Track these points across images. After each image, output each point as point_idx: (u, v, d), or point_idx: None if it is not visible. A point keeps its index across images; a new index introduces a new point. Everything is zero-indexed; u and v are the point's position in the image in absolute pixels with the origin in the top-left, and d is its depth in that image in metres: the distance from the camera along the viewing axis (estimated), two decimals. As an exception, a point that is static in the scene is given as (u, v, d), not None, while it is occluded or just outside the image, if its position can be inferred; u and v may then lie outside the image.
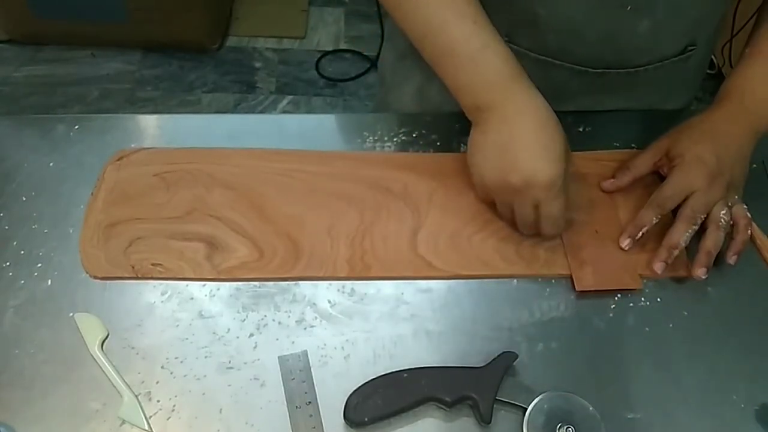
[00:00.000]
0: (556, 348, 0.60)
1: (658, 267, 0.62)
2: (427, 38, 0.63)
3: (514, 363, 0.57)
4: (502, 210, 0.65)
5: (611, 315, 0.62)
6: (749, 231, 0.64)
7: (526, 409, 0.54)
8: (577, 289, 0.63)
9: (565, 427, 0.53)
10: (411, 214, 0.67)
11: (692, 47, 0.73)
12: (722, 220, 0.62)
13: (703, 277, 0.62)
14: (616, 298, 0.63)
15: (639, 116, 0.80)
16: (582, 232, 0.66)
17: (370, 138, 0.75)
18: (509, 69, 0.61)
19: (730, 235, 0.64)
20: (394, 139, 0.74)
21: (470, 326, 0.61)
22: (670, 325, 0.61)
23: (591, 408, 0.54)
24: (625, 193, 0.69)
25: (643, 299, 0.63)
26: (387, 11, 0.66)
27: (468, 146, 0.65)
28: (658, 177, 0.69)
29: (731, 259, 0.63)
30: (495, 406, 0.54)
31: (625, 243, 0.65)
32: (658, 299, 0.63)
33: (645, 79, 0.74)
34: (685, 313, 0.62)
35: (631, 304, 0.63)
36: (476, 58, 0.61)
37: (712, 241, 0.62)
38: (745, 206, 0.64)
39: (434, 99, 0.78)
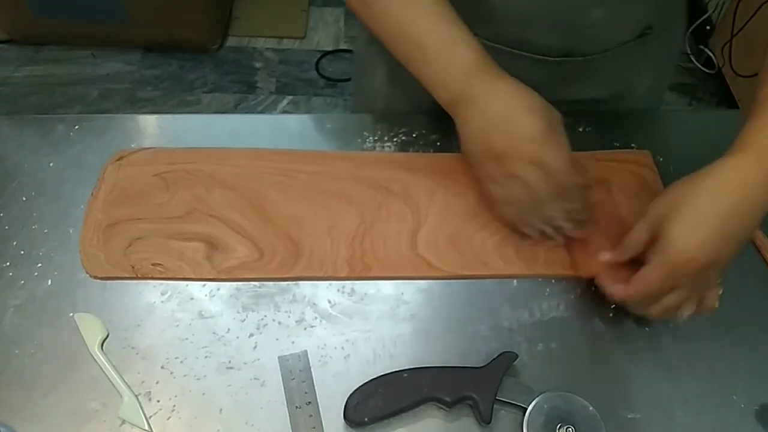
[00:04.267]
0: (556, 348, 0.60)
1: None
2: (398, 37, 0.64)
3: (514, 363, 0.57)
4: (509, 195, 0.62)
5: (611, 315, 0.62)
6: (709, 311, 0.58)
7: (526, 409, 0.54)
8: (584, 276, 0.62)
9: (565, 427, 0.53)
10: (411, 214, 0.67)
11: (649, 30, 0.73)
12: (680, 318, 0.57)
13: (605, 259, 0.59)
14: (616, 298, 0.63)
15: (639, 116, 0.80)
16: (585, 230, 0.65)
17: (370, 138, 0.75)
18: (480, 61, 0.62)
19: None
20: (394, 139, 0.74)
21: (470, 326, 0.61)
22: (670, 325, 0.61)
23: (591, 408, 0.54)
24: (627, 196, 0.69)
25: (643, 299, 0.63)
26: (353, 11, 0.66)
27: (461, 145, 0.65)
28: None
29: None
30: (495, 406, 0.54)
31: (605, 256, 0.60)
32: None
33: (605, 65, 0.74)
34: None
35: (631, 304, 0.63)
36: (447, 52, 0.62)
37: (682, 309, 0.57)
38: (719, 292, 0.58)
39: (406, 82, 0.73)
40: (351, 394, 0.55)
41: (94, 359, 0.57)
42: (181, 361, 0.58)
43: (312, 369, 0.58)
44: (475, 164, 0.65)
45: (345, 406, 0.54)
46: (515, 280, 0.64)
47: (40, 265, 0.63)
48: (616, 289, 0.58)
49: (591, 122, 0.76)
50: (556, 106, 0.63)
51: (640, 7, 0.71)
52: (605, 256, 0.60)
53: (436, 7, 0.62)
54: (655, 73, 0.81)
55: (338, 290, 0.63)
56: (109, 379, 0.56)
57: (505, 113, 0.60)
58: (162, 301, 0.61)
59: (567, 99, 0.74)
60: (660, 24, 0.73)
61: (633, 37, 0.73)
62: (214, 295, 0.62)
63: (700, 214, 0.53)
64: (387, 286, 0.63)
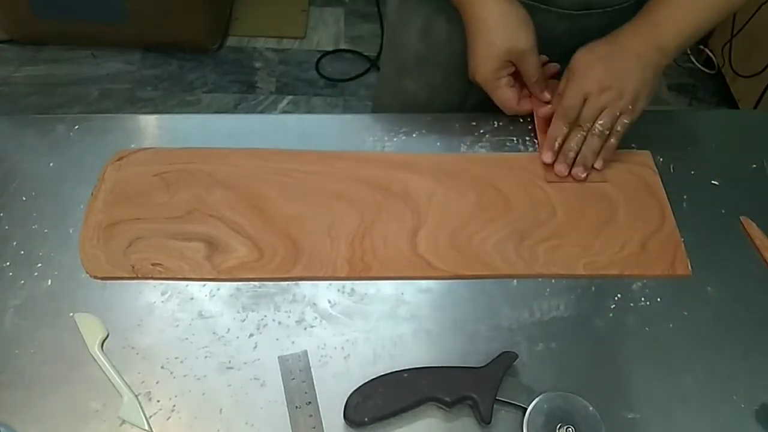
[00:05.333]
0: (556, 348, 0.60)
1: (546, 157, 0.71)
2: None
3: (514, 363, 0.57)
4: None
5: (611, 315, 0.62)
6: (616, 140, 0.70)
7: (526, 409, 0.54)
8: (546, 179, 0.70)
9: (565, 427, 0.53)
10: (411, 214, 0.67)
11: None
12: (596, 128, 0.69)
13: (582, 175, 0.70)
14: (616, 297, 0.63)
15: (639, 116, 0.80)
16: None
17: (370, 138, 0.75)
18: None
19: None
20: (394, 139, 0.74)
21: (470, 326, 0.61)
22: (670, 325, 0.61)
23: (591, 408, 0.54)
24: (626, 195, 0.70)
25: (643, 299, 0.63)
26: None
27: None
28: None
29: (597, 164, 0.71)
30: (495, 406, 0.54)
31: (547, 156, 0.71)
32: (658, 299, 0.63)
33: (623, 17, 0.74)
34: (685, 313, 0.62)
35: (632, 304, 0.63)
36: None
37: (587, 147, 0.70)
38: (627, 121, 0.69)
39: (440, 35, 0.82)
40: (351, 394, 0.55)
41: (94, 359, 0.57)
42: (181, 361, 0.58)
43: (312, 369, 0.58)
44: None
45: (345, 406, 0.54)
46: (515, 280, 0.64)
47: (40, 265, 0.63)
48: (554, 125, 0.72)
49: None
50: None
51: None
52: (542, 111, 0.74)
53: None
54: None
55: (338, 290, 0.63)
56: (109, 379, 0.56)
57: (470, 50, 0.72)
58: (162, 301, 0.61)
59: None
60: None
61: None
62: (214, 295, 0.62)
63: (597, 46, 0.70)
64: (387, 286, 0.63)
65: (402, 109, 0.90)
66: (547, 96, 0.74)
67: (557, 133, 0.71)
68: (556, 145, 0.71)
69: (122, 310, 0.61)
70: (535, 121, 0.75)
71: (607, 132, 0.70)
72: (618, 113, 0.69)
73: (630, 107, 0.69)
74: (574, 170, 0.70)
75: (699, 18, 0.69)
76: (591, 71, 0.69)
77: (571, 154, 0.70)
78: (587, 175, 0.71)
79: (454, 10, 0.74)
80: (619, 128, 0.70)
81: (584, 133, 0.70)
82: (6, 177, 0.70)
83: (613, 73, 0.68)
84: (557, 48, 0.77)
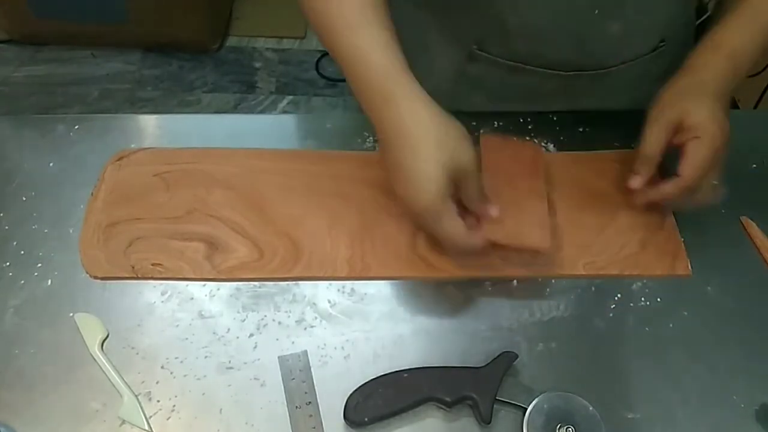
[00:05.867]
0: (556, 348, 0.60)
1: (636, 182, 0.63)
2: (330, 43, 0.61)
3: (514, 363, 0.57)
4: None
5: (611, 315, 0.62)
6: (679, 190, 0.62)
7: (526, 409, 0.54)
8: (487, 236, 0.60)
9: (565, 427, 0.53)
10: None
11: (663, 43, 0.73)
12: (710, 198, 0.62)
13: (636, 185, 0.63)
14: (616, 297, 0.63)
15: (639, 116, 0.80)
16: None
17: (370, 138, 0.75)
18: (384, 87, 0.57)
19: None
20: (394, 139, 0.74)
21: (470, 326, 0.61)
22: (670, 325, 0.61)
23: (591, 408, 0.54)
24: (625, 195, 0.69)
25: (643, 299, 0.63)
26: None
27: None
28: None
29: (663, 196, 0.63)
30: (495, 406, 0.54)
31: (636, 182, 0.63)
32: (658, 299, 0.63)
33: (618, 78, 0.74)
34: (685, 313, 0.62)
35: (631, 304, 0.63)
36: (358, 78, 0.59)
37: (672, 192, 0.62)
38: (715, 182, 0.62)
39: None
40: (351, 394, 0.55)
41: (94, 359, 0.57)
42: (181, 361, 0.58)
43: (312, 369, 0.58)
44: None
45: (345, 406, 0.54)
46: (515, 280, 0.64)
47: (40, 265, 0.63)
48: (667, 187, 0.62)
49: (591, 122, 0.76)
50: (589, 115, 0.65)
51: (656, 19, 0.70)
52: (635, 182, 0.63)
53: (358, 17, 0.58)
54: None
55: (338, 290, 0.63)
56: (109, 379, 0.56)
57: (400, 170, 0.56)
58: (162, 301, 0.61)
59: (576, 109, 0.74)
60: (673, 35, 0.73)
61: (648, 51, 0.73)
62: (214, 295, 0.62)
63: (711, 100, 0.60)
64: (387, 286, 0.63)
65: None
66: (494, 211, 0.60)
67: (668, 196, 0.63)
68: (646, 199, 0.64)
69: (122, 310, 0.61)
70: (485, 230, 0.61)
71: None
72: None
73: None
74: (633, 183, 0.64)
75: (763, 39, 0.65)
76: (717, 123, 0.60)
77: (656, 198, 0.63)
78: None
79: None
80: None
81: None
82: (6, 177, 0.70)
83: (724, 130, 0.60)
84: (540, 105, 0.76)
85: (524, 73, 0.71)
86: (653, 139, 0.62)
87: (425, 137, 0.56)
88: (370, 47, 0.58)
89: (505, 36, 0.69)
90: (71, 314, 0.60)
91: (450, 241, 0.59)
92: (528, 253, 0.63)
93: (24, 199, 0.68)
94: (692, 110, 0.60)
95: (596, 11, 0.65)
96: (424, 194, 0.56)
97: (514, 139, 0.70)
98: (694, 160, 0.60)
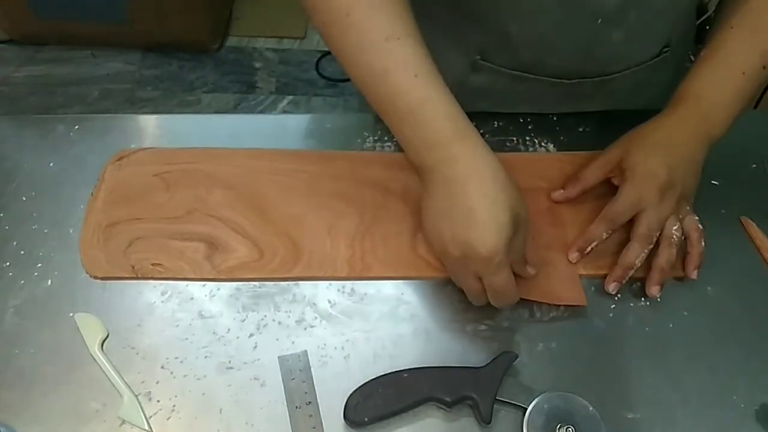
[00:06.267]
0: (556, 348, 0.60)
1: (612, 287, 0.62)
2: (369, 87, 0.57)
3: (514, 363, 0.57)
4: (455, 279, 0.60)
5: (611, 315, 0.62)
6: (702, 242, 0.63)
7: (526, 409, 0.54)
8: (522, 296, 0.59)
9: (565, 427, 0.53)
10: (411, 215, 0.67)
11: (667, 48, 0.73)
12: (674, 236, 0.61)
13: (657, 295, 0.62)
14: (616, 298, 0.63)
15: (640, 116, 0.79)
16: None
17: (370, 138, 0.75)
18: (452, 126, 0.55)
19: (684, 250, 0.63)
20: (394, 139, 0.74)
21: (470, 326, 0.61)
22: (670, 325, 0.61)
23: (591, 408, 0.54)
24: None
25: (643, 299, 0.63)
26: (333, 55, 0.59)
27: (421, 210, 0.60)
28: (609, 188, 0.66)
29: (692, 274, 0.62)
30: (495, 406, 0.54)
31: (573, 256, 0.63)
32: (658, 299, 0.63)
33: (622, 83, 0.74)
34: (685, 313, 0.62)
35: (631, 304, 0.63)
36: (416, 114, 0.55)
37: (664, 258, 0.61)
38: (696, 218, 0.63)
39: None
40: (351, 394, 0.55)
41: (94, 359, 0.57)
42: (181, 361, 0.58)
43: (312, 369, 0.58)
44: (431, 243, 0.61)
45: (345, 406, 0.54)
46: (515, 280, 0.64)
47: (40, 265, 0.63)
48: (559, 195, 0.67)
49: (591, 122, 0.76)
50: (589, 115, 0.65)
51: (660, 26, 0.70)
52: (556, 194, 0.67)
53: (413, 57, 0.55)
54: (670, 87, 0.81)
55: (338, 290, 0.63)
56: (109, 379, 0.56)
57: (465, 212, 0.54)
58: (162, 301, 0.61)
59: (579, 111, 0.74)
60: (677, 41, 0.73)
61: (652, 57, 0.73)
62: (214, 295, 0.62)
63: (654, 146, 0.62)
64: (387, 286, 0.63)
65: None
66: (531, 270, 0.60)
67: (596, 236, 0.62)
68: (590, 248, 0.63)
69: (122, 310, 0.61)
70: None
71: (682, 239, 0.62)
72: (681, 217, 0.62)
73: (688, 208, 0.63)
74: (652, 290, 0.61)
75: (743, 103, 0.64)
76: (652, 179, 0.60)
77: (631, 272, 0.61)
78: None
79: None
80: (694, 226, 0.63)
81: (650, 246, 0.61)
82: (6, 177, 0.70)
83: (674, 174, 0.60)
84: (543, 109, 0.76)
85: (528, 81, 0.71)
86: (592, 170, 0.66)
87: (494, 180, 0.54)
88: (432, 91, 0.55)
89: (509, 46, 0.69)
90: (71, 314, 0.60)
91: (501, 293, 0.56)
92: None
93: (24, 199, 0.68)
94: (630, 153, 0.62)
95: (599, 20, 0.65)
96: (492, 238, 0.53)
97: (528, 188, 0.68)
98: (617, 198, 0.61)
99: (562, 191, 0.67)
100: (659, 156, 0.61)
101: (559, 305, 0.62)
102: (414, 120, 0.56)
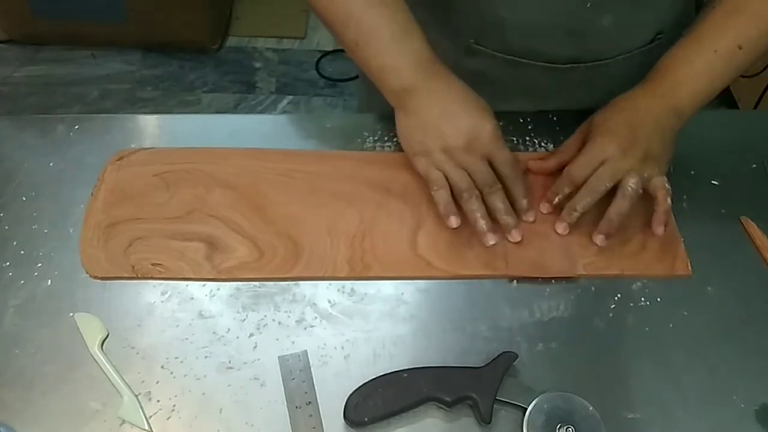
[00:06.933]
0: (556, 348, 0.60)
1: (559, 227, 0.65)
2: (349, 25, 0.63)
3: (514, 363, 0.57)
4: (454, 181, 0.63)
5: (611, 315, 0.62)
6: (669, 200, 0.64)
7: (526, 409, 0.54)
8: (514, 274, 0.63)
9: (565, 427, 0.53)
10: (411, 214, 0.67)
11: (660, 35, 0.73)
12: (629, 188, 0.62)
13: (601, 244, 0.64)
14: (616, 297, 0.63)
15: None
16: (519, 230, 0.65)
17: (370, 138, 0.75)
18: (429, 53, 0.64)
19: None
20: (394, 139, 0.74)
21: (470, 326, 0.61)
22: (670, 325, 0.61)
23: (591, 408, 0.54)
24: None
25: (643, 299, 0.63)
26: (309, 4, 0.66)
27: (399, 133, 0.67)
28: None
29: (658, 230, 0.63)
30: (495, 406, 0.54)
31: (545, 206, 0.66)
32: (658, 299, 0.63)
33: (615, 70, 0.74)
34: (685, 313, 0.62)
35: (631, 304, 0.63)
36: (399, 41, 0.63)
37: (614, 209, 0.63)
38: (665, 179, 0.64)
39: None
40: (351, 394, 0.55)
41: (94, 359, 0.57)
42: (181, 361, 0.58)
43: (312, 369, 0.58)
44: (419, 153, 0.65)
45: (345, 406, 0.54)
46: (515, 280, 0.64)
47: (40, 265, 0.63)
48: (534, 163, 0.70)
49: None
50: (589, 115, 0.67)
51: (652, 13, 0.71)
52: (533, 164, 0.70)
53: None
54: None
55: (338, 290, 0.63)
56: (109, 379, 0.56)
57: (461, 108, 0.63)
58: (162, 301, 0.61)
59: (575, 108, 0.75)
60: (672, 28, 0.73)
61: (645, 44, 0.73)
62: (214, 295, 0.62)
63: (621, 111, 0.66)
64: (387, 286, 0.63)
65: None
66: (518, 236, 0.65)
67: (559, 191, 0.65)
68: (556, 200, 0.65)
69: (122, 310, 0.61)
70: (510, 263, 0.64)
71: (639, 193, 0.63)
72: (646, 176, 0.63)
73: (658, 167, 0.64)
74: (596, 239, 0.64)
75: (714, 80, 0.66)
76: (612, 135, 0.64)
77: (575, 215, 0.63)
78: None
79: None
80: (660, 184, 0.64)
81: (596, 195, 0.63)
82: (6, 177, 0.70)
83: (637, 134, 0.63)
84: (540, 100, 0.76)
85: (522, 66, 0.72)
86: (570, 142, 0.69)
87: (473, 94, 0.64)
88: (412, 26, 0.64)
89: (501, 31, 0.70)
90: (71, 314, 0.60)
91: (510, 161, 0.64)
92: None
93: (24, 199, 0.68)
94: (596, 117, 0.67)
95: (588, 4, 0.66)
96: (493, 119, 0.63)
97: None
98: (579, 154, 0.65)
99: (540, 162, 0.70)
100: (622, 117, 0.65)
101: (551, 279, 0.63)
102: (398, 47, 0.63)
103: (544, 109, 0.77)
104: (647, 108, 0.65)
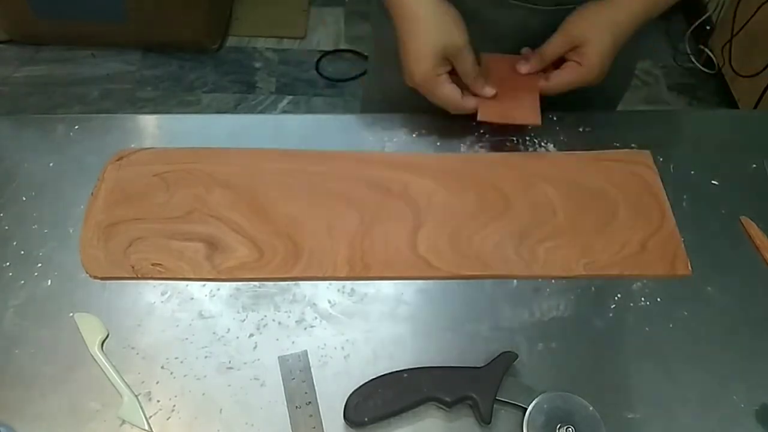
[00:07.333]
0: (556, 348, 0.60)
1: (523, 67, 0.73)
2: None
3: (514, 363, 0.57)
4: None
5: (611, 315, 0.62)
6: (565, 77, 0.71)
7: (526, 409, 0.54)
8: (478, 118, 0.71)
9: (565, 427, 0.53)
10: (411, 214, 0.67)
11: None
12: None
13: (523, 70, 0.73)
14: (616, 297, 0.63)
15: (639, 116, 0.80)
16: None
17: (370, 138, 0.75)
18: None
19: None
20: (394, 139, 0.74)
21: (470, 326, 0.61)
22: (670, 325, 0.61)
23: (591, 408, 0.54)
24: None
25: (643, 299, 0.63)
26: None
27: None
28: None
29: (521, 68, 0.73)
30: (495, 406, 0.54)
31: (524, 68, 0.73)
32: (658, 299, 0.63)
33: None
34: (685, 313, 0.62)
35: (631, 304, 0.63)
36: None
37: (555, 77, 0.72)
38: (591, 68, 0.70)
39: None
40: (351, 394, 0.55)
41: (94, 359, 0.57)
42: (181, 361, 0.58)
43: (312, 369, 0.58)
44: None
45: (345, 406, 0.55)
46: (515, 280, 0.64)
47: (40, 265, 0.63)
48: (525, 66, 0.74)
49: (591, 122, 0.76)
50: (589, 115, 0.71)
51: None
52: (523, 68, 0.74)
53: None
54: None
55: (338, 290, 0.63)
56: (109, 379, 0.56)
57: (403, 50, 0.69)
58: (162, 301, 0.61)
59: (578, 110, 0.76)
60: None
61: None
62: (214, 295, 0.62)
63: (611, 39, 0.70)
64: (387, 286, 0.63)
65: (388, 102, 0.89)
66: (489, 91, 0.72)
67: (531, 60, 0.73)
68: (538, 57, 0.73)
69: (122, 310, 0.61)
70: (480, 113, 0.72)
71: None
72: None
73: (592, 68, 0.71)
74: (521, 66, 0.73)
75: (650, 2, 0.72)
76: (597, 68, 0.70)
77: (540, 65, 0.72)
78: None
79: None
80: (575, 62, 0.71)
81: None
82: (6, 177, 0.70)
83: (609, 61, 0.70)
84: (530, 44, 0.76)
85: (509, 8, 0.74)
86: (554, 46, 0.72)
87: (421, 19, 0.68)
88: None
89: None
90: (71, 314, 0.60)
91: (444, 106, 0.71)
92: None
93: (24, 199, 0.68)
94: (591, 41, 0.70)
95: None
96: (418, 69, 0.68)
97: (511, 56, 0.76)
98: (562, 78, 0.72)
99: (527, 65, 0.74)
100: (609, 41, 0.70)
101: (515, 125, 0.72)
102: None
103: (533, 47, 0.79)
104: (625, 26, 0.70)
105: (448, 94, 0.70)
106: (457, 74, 0.71)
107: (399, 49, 0.70)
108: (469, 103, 0.71)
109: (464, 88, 0.71)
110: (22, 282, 0.62)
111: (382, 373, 0.56)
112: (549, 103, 0.78)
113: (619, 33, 0.70)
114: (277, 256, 0.64)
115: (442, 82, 0.70)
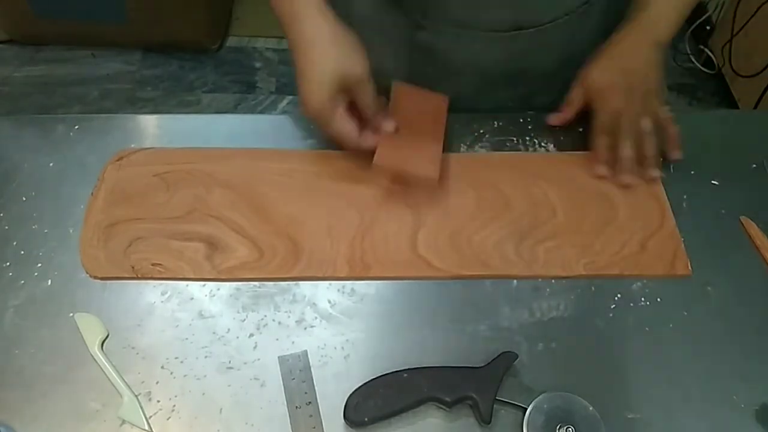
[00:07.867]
0: (556, 348, 0.60)
1: (629, 178, 0.70)
2: None
3: (514, 363, 0.57)
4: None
5: (611, 315, 0.62)
6: (675, 126, 0.72)
7: (526, 409, 0.54)
8: (374, 162, 0.66)
9: (565, 427, 0.53)
10: (411, 214, 0.67)
11: (587, 2, 0.75)
12: (647, 129, 0.70)
13: (656, 175, 0.70)
14: (616, 297, 0.63)
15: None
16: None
17: (370, 138, 0.74)
18: (313, 6, 0.66)
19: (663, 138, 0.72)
20: (394, 139, 0.74)
21: (470, 326, 0.61)
22: (670, 325, 0.61)
23: (591, 408, 0.54)
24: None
25: (643, 299, 0.63)
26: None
27: None
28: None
29: (675, 154, 0.72)
30: (495, 406, 0.54)
31: (602, 170, 0.71)
32: (658, 299, 0.63)
33: (555, 35, 0.75)
34: (685, 313, 0.62)
35: (631, 304, 0.63)
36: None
37: (648, 147, 0.70)
38: (666, 107, 0.72)
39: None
40: (351, 394, 0.55)
41: (94, 359, 0.57)
42: (181, 361, 0.58)
43: (312, 369, 0.58)
44: None
45: (345, 406, 0.55)
46: (515, 280, 0.64)
47: (40, 265, 0.63)
48: (555, 118, 0.76)
49: (591, 122, 0.76)
50: (589, 115, 0.72)
51: None
52: (554, 120, 0.76)
53: None
54: (599, 31, 0.81)
55: (338, 290, 0.63)
56: (109, 379, 0.56)
57: (300, 79, 0.65)
58: (162, 301, 0.61)
59: (523, 80, 0.79)
60: None
61: (580, 4, 0.74)
62: (214, 295, 0.62)
63: (609, 60, 0.72)
64: (387, 286, 0.63)
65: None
66: (391, 125, 0.68)
67: (603, 143, 0.71)
68: (606, 156, 0.71)
69: (122, 310, 0.61)
70: (376, 156, 0.66)
71: (652, 127, 0.70)
72: (652, 111, 0.70)
73: (658, 100, 0.71)
74: (652, 173, 0.70)
75: (684, 9, 0.73)
76: (613, 88, 0.70)
77: (629, 163, 0.70)
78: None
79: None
80: (664, 116, 0.72)
81: (633, 138, 0.70)
82: (6, 177, 0.70)
83: (632, 78, 0.70)
84: (488, 75, 0.77)
85: (465, 37, 0.74)
86: (573, 94, 0.75)
87: (317, 41, 0.64)
88: None
89: (446, 4, 0.72)
90: (71, 314, 0.60)
91: (339, 142, 0.67)
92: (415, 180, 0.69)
93: (24, 199, 0.68)
94: (591, 74, 0.72)
95: None
96: (313, 98, 0.64)
97: (425, 90, 0.74)
98: (596, 126, 0.72)
99: (559, 115, 0.75)
100: (614, 67, 0.71)
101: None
102: (278, 8, 0.70)
103: (492, 83, 0.79)
104: (634, 49, 0.71)
105: (343, 128, 0.66)
106: (356, 107, 0.67)
107: (296, 79, 0.65)
108: (366, 141, 0.67)
109: (365, 122, 0.67)
110: (22, 282, 0.62)
111: (382, 373, 0.56)
112: (549, 103, 0.78)
113: (627, 61, 0.71)
114: (277, 256, 0.64)
115: (339, 115, 0.65)
